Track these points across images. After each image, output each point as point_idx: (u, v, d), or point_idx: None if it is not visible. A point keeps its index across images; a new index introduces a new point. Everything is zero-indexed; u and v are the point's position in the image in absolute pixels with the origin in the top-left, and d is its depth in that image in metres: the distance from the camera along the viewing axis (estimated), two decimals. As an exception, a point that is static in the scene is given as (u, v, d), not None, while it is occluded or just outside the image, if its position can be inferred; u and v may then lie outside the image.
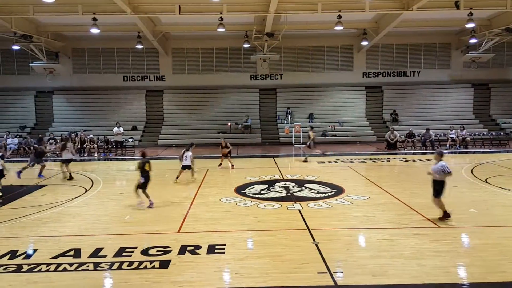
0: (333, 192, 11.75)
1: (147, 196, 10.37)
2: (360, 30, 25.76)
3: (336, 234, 8.15)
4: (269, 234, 8.19)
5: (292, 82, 28.25)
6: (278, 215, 9.62)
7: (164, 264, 6.67)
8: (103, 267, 6.63)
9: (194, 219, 9.36)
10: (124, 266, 6.65)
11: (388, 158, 19.39)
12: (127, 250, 7.30)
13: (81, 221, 9.30)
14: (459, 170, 15.62)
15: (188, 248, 7.36)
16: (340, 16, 19.95)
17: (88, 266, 6.66)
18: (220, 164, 16.50)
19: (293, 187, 12.60)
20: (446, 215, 8.80)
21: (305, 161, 17.97)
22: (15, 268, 6.63)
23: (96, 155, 21.68)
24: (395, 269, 6.38)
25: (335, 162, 18.05)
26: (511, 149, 21.83)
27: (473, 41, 23.93)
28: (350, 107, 28.18)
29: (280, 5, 19.14)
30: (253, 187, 12.65)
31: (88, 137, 22.16)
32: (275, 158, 19.76)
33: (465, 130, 22.87)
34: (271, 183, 13.20)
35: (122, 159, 20.76)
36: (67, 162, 14.68)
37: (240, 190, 12.29)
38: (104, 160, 20.75)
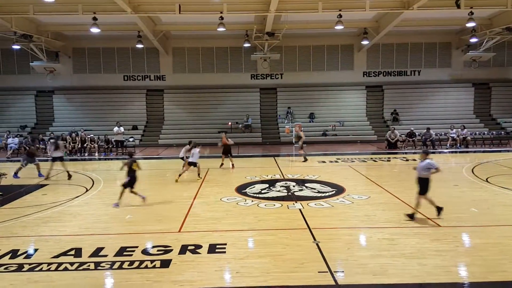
0: (334, 192, 11.75)
1: (136, 194, 10.51)
2: (360, 30, 25.75)
3: (336, 233, 8.15)
4: (270, 233, 8.19)
5: (292, 81, 28.24)
6: (279, 214, 9.62)
7: (165, 264, 6.67)
8: (104, 266, 6.64)
9: (195, 218, 9.36)
10: (125, 265, 6.65)
11: (389, 158, 19.38)
12: (128, 249, 7.30)
13: (82, 221, 9.31)
14: (460, 169, 15.62)
15: (189, 247, 7.36)
16: (340, 16, 19.95)
17: (89, 266, 6.66)
18: (222, 164, 16.48)
19: (293, 186, 12.60)
20: (439, 210, 8.91)
21: (305, 160, 17.93)
22: (16, 268, 6.63)
23: (96, 154, 21.70)
24: (395, 268, 6.37)
25: (336, 161, 18.04)
26: (511, 148, 21.82)
27: (473, 40, 23.90)
28: (350, 106, 28.17)
29: (280, 5, 19.14)
30: (254, 187, 12.65)
31: (89, 136, 22.20)
32: (275, 157, 19.75)
33: (465, 130, 22.87)
34: (271, 183, 13.20)
35: (123, 159, 20.70)
36: (58, 160, 14.63)
37: (240, 189, 12.29)
38: (105, 159, 20.76)
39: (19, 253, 7.26)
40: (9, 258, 7.01)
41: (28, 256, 7.13)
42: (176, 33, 26.70)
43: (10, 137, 22.21)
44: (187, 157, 14.44)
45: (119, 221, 9.37)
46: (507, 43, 26.61)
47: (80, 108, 27.54)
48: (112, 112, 27.09)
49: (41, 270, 6.54)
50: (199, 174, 14.12)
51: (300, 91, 28.17)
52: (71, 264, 6.73)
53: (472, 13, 20.07)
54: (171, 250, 7.26)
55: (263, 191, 11.98)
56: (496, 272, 6.26)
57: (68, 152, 21.52)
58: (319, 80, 28.22)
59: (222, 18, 20.08)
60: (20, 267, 6.65)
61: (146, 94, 28.19)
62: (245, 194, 11.68)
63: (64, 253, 7.19)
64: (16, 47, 24.05)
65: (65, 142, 21.06)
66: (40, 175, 14.90)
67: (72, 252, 7.23)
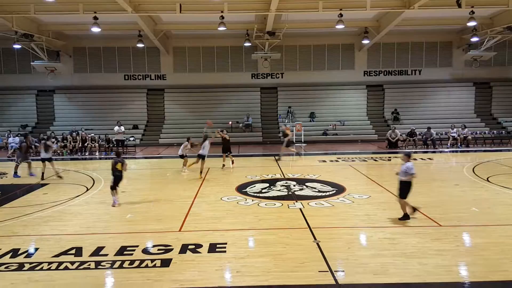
0: (334, 191, 11.75)
1: (114, 195, 10.49)
2: (361, 29, 25.70)
3: (337, 232, 8.15)
4: (270, 232, 8.18)
5: (293, 81, 28.22)
6: (279, 213, 9.62)
7: (166, 263, 6.67)
8: (104, 265, 6.64)
9: (195, 218, 9.36)
10: (126, 264, 6.65)
11: (389, 157, 19.36)
12: (128, 248, 7.31)
13: (82, 220, 9.31)
14: (461, 169, 15.61)
15: (190, 246, 7.37)
16: (341, 15, 19.92)
17: (89, 265, 6.66)
18: (223, 165, 16.31)
19: (294, 186, 12.59)
20: (405, 217, 8.77)
21: (279, 159, 17.88)
22: (16, 267, 6.64)
23: (97, 154, 21.71)
24: (396, 268, 6.37)
25: (336, 161, 18.03)
26: (512, 147, 21.81)
27: (474, 39, 23.84)
28: (351, 105, 28.14)
29: (281, 4, 19.12)
30: (254, 186, 12.65)
31: (90, 136, 22.22)
32: (276, 157, 19.72)
33: (466, 129, 22.84)
34: (272, 182, 13.19)
35: (123, 158, 20.72)
36: (47, 161, 14.57)
37: (241, 189, 12.29)
38: (106, 159, 20.75)
39: (19, 252, 7.26)
40: (10, 257, 7.02)
41: (29, 255, 7.14)
42: (176, 32, 26.68)
43: (11, 137, 22.27)
44: (186, 156, 14.50)
45: (119, 221, 9.38)
46: (508, 43, 26.54)
47: (81, 107, 27.53)
48: (113, 111, 27.08)
49: (41, 269, 6.55)
50: (201, 172, 14.15)
51: (300, 91, 28.14)
52: (72, 263, 6.74)
53: (473, 12, 20.01)
54: (172, 249, 7.26)
55: (263, 191, 11.98)
56: (497, 272, 6.25)
57: (69, 151, 21.58)
58: (320, 80, 28.18)
59: (222, 17, 20.07)
60: (20, 266, 6.65)
61: (146, 93, 28.18)
62: (246, 193, 11.67)
63: (65, 252, 7.20)
64: (17, 46, 24.03)
65: (58, 141, 21.17)
66: (31, 174, 14.77)
67: (73, 251, 7.23)
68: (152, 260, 6.77)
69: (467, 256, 6.93)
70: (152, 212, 9.94)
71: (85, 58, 27.90)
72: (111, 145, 22.19)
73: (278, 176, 14.44)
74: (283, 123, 25.90)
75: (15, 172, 14.74)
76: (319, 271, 6.28)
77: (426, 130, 22.65)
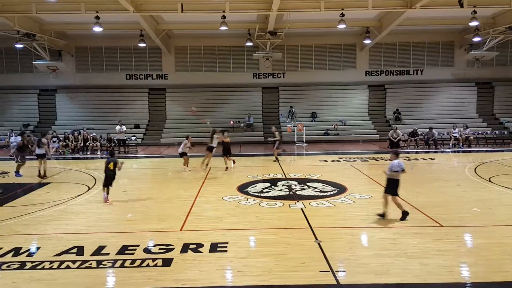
0: (336, 191, 11.74)
1: (104, 191, 10.77)
2: (363, 29, 25.70)
3: (338, 232, 8.14)
4: (272, 232, 8.18)
5: (294, 80, 28.22)
6: (281, 213, 9.62)
7: (167, 262, 6.67)
8: (106, 264, 6.65)
9: (197, 217, 9.36)
10: (127, 264, 6.65)
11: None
12: (129, 248, 7.31)
13: (84, 219, 9.32)
14: (463, 169, 15.57)
15: (191, 246, 7.36)
16: (343, 15, 19.92)
17: (91, 264, 6.67)
18: (227, 168, 15.92)
19: (295, 185, 12.59)
20: (404, 215, 8.73)
21: (275, 161, 17.75)
22: (18, 266, 6.65)
23: (99, 153, 21.75)
24: (397, 268, 6.36)
25: (338, 160, 18.02)
26: (514, 148, 21.76)
27: (476, 39, 23.80)
28: (352, 105, 28.13)
29: (283, 3, 19.12)
30: (256, 186, 12.65)
31: (91, 135, 22.26)
32: (277, 156, 19.70)
33: (468, 129, 22.80)
34: (273, 182, 13.19)
35: (125, 158, 20.76)
36: (41, 157, 14.53)
37: (242, 188, 12.29)
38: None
39: (21, 251, 7.27)
40: (12, 256, 7.03)
41: (31, 254, 7.15)
42: (178, 32, 26.70)
43: (13, 136, 22.31)
44: (187, 155, 14.55)
45: (121, 220, 9.39)
46: (510, 42, 26.50)
47: (82, 106, 27.59)
48: (115, 111, 27.13)
49: (43, 268, 6.56)
50: (205, 164, 14.48)
51: (302, 90, 28.14)
52: (73, 262, 6.74)
53: (475, 12, 19.99)
54: (173, 248, 7.26)
55: (264, 190, 11.98)
56: (499, 272, 6.23)
57: (70, 150, 21.63)
58: (321, 79, 28.17)
59: (224, 17, 20.09)
60: (22, 265, 6.66)
61: (148, 93, 28.22)
62: (247, 193, 11.67)
63: (66, 251, 7.21)
64: (19, 46, 24.10)
65: (59, 140, 21.29)
66: (17, 174, 14.60)
67: (74, 250, 7.24)
68: (153, 260, 6.78)
69: (469, 257, 6.90)
70: (153, 211, 9.94)
71: (87, 57, 27.96)
72: (112, 145, 22.23)
73: (279, 175, 14.43)
74: (284, 123, 25.89)
75: (17, 171, 14.75)
76: (320, 271, 6.27)
77: (427, 130, 22.62)
